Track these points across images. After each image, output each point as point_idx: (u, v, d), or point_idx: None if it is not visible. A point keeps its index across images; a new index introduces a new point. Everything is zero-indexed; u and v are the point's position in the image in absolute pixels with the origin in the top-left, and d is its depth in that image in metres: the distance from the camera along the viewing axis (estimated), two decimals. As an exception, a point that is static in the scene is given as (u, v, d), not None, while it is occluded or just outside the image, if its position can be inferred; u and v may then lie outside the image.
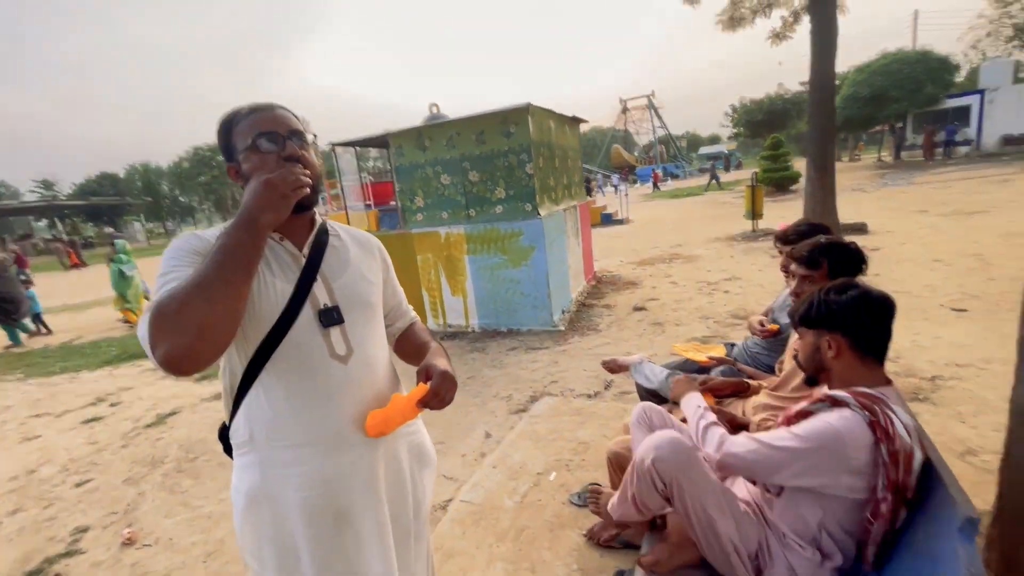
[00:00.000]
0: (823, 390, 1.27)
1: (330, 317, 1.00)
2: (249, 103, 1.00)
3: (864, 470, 1.11)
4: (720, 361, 2.38)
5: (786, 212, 10.93)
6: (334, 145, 5.49)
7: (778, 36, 7.70)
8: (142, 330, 0.78)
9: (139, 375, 5.35)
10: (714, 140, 69.37)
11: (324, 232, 1.08)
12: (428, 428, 3.12)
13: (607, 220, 14.05)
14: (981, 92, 20.91)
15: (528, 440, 2.96)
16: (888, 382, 1.22)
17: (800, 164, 11.80)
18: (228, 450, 1.05)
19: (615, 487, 1.93)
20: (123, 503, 2.91)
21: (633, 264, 7.77)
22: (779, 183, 15.40)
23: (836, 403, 1.17)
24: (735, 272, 6.43)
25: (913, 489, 1.08)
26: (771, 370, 2.20)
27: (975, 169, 16.24)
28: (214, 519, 2.65)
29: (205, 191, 47.84)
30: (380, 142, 5.70)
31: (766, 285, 5.60)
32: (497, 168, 4.78)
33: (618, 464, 1.97)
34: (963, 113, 21.59)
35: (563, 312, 5.21)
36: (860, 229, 7.79)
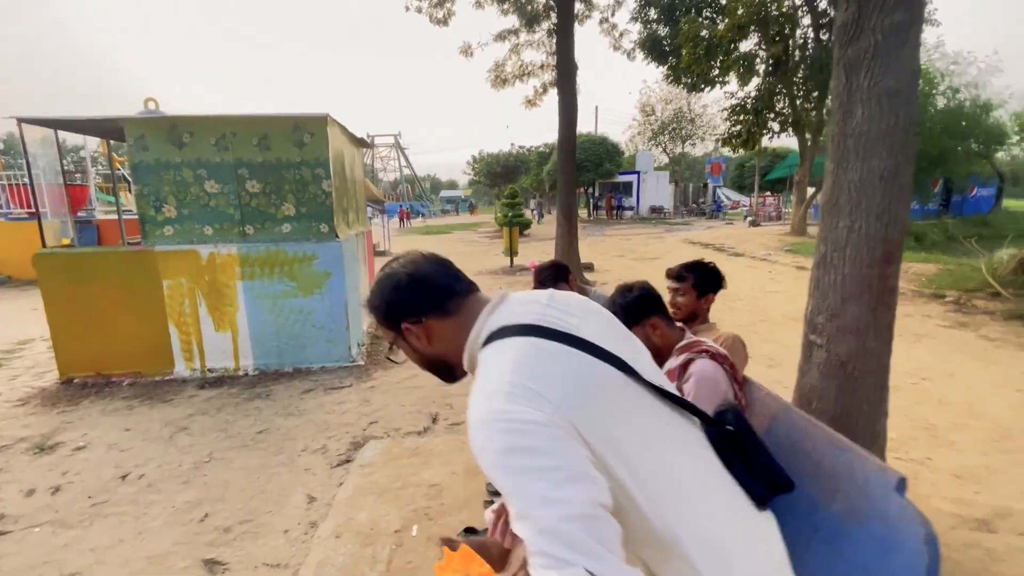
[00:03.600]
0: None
1: None
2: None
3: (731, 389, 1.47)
4: None
5: (532, 252, 12.65)
6: (21, 120, 3.73)
7: (531, 102, 9.09)
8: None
9: None
10: (452, 185, 75.87)
11: None
12: (219, 506, 2.38)
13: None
14: (637, 173, 28.93)
15: (369, 495, 2.53)
16: (684, 329, 1.66)
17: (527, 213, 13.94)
18: None
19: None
20: None
21: (412, 295, 7.69)
22: (516, 228, 17.82)
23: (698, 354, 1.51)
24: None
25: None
26: None
27: (638, 228, 22.17)
28: None
29: None
30: (106, 128, 4.20)
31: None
32: (286, 181, 4.10)
33: None
34: (628, 186, 29.40)
35: (360, 345, 4.73)
36: (589, 267, 9.60)
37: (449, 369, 0.98)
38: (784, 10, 13.00)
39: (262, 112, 4.07)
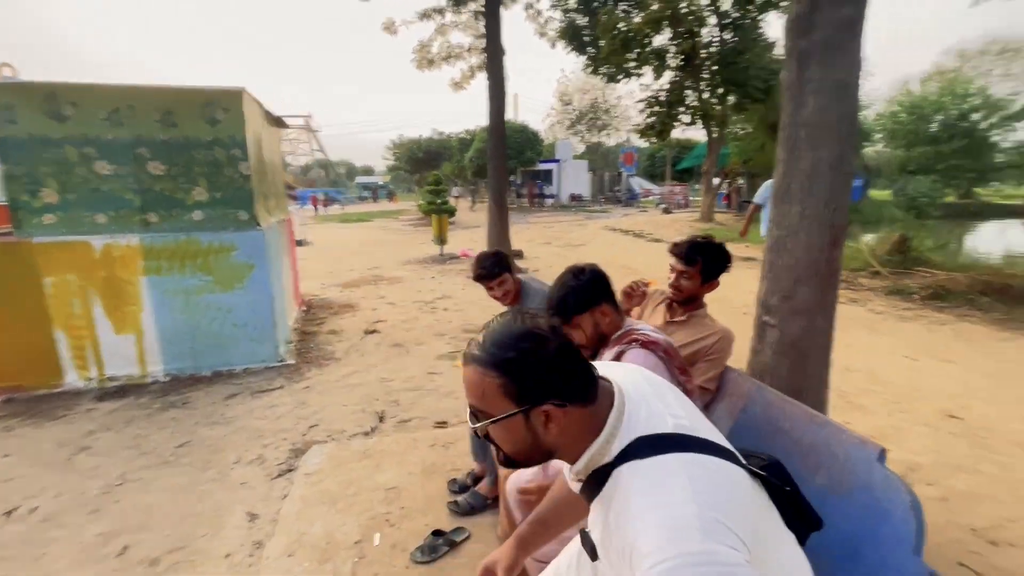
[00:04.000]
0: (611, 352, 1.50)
1: None
2: None
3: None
4: None
5: (460, 240, 12.46)
6: None
7: (458, 85, 8.85)
8: None
9: None
10: (368, 171, 72.65)
11: None
12: (141, 536, 2.08)
13: (281, 241, 12.69)
14: (557, 161, 29.49)
15: (320, 505, 2.33)
16: (624, 314, 1.61)
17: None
18: None
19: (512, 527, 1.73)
20: None
21: (339, 287, 7.26)
22: (445, 215, 17.47)
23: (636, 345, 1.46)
24: (443, 291, 6.87)
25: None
26: None
27: (560, 215, 22.65)
28: None
29: None
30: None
31: (477, 301, 6.21)
32: (196, 162, 3.63)
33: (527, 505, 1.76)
34: (549, 174, 29.89)
35: (288, 343, 4.37)
36: (518, 255, 9.63)
37: (550, 457, 0.83)
38: (693, 8, 13.74)
39: (165, 84, 3.55)
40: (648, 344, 1.45)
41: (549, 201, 28.96)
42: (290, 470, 2.64)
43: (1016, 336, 4.62)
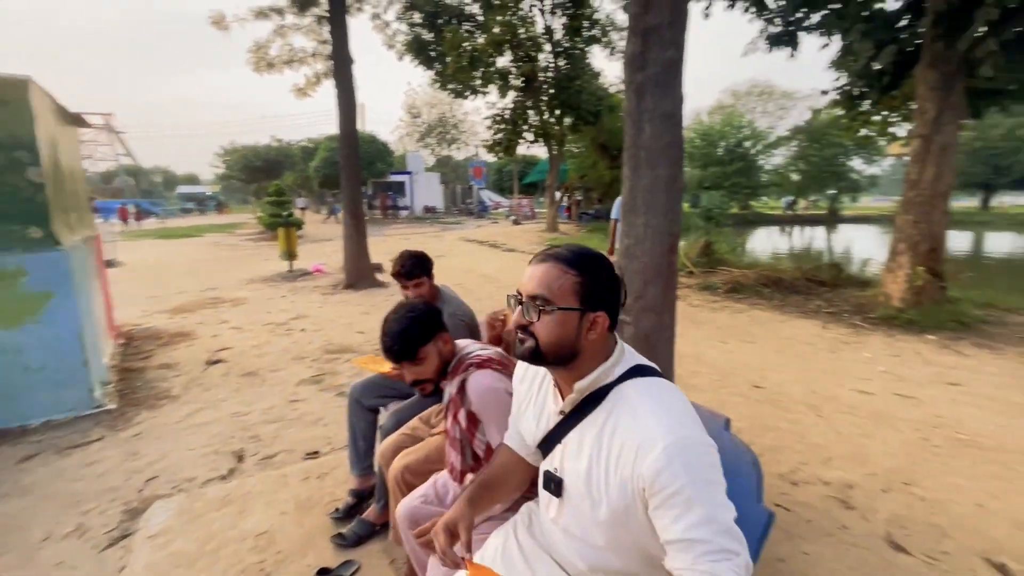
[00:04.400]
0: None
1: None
2: None
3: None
4: (401, 375, 2.38)
5: (311, 255, 11.60)
6: None
7: (302, 91, 8.24)
8: None
9: None
10: (192, 180, 63.17)
11: None
12: None
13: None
14: (410, 173, 29.25)
15: (175, 569, 2.01)
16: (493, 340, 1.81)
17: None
18: None
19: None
20: None
21: (166, 314, 6.23)
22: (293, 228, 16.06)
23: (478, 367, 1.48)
24: (298, 311, 6.35)
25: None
26: None
27: (415, 227, 22.48)
28: None
29: None
30: None
31: (338, 319, 5.87)
32: (-41, 166, 2.85)
33: (406, 483, 1.74)
34: (401, 186, 29.46)
35: (105, 384, 3.64)
36: (379, 268, 9.33)
37: (570, 361, 0.97)
38: (531, 34, 14.85)
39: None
40: (484, 364, 1.46)
41: (404, 213, 28.55)
42: (125, 536, 2.21)
43: (790, 318, 5.88)
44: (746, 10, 6.77)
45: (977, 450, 2.85)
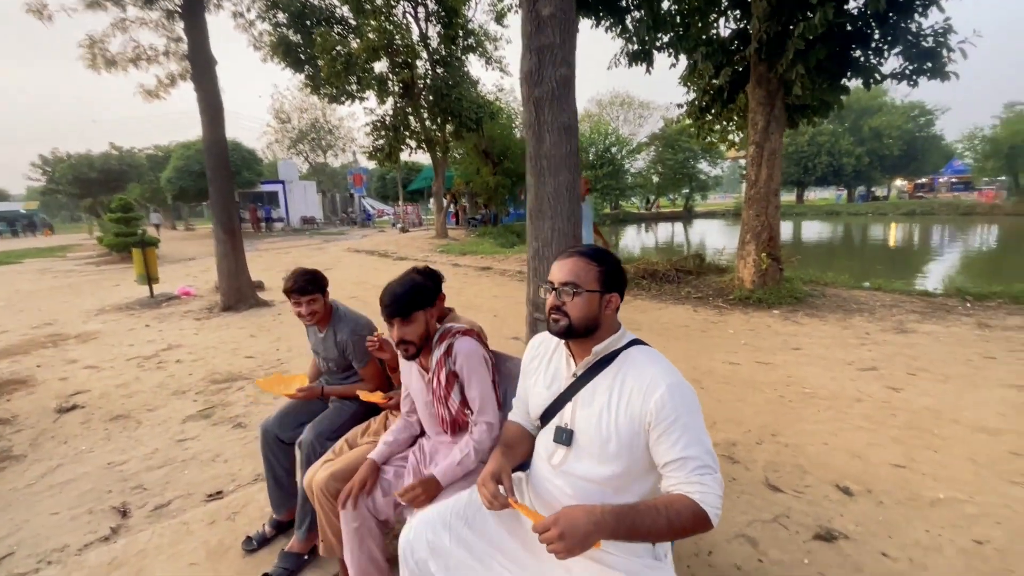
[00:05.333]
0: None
1: None
2: None
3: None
4: (310, 393, 2.23)
5: (173, 276, 10.30)
6: None
7: (151, 94, 7.24)
8: None
9: None
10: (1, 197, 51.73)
11: None
12: None
13: None
14: (283, 182, 27.15)
15: (62, 649, 1.72)
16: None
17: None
18: None
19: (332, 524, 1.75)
20: None
21: (-13, 360, 5.14)
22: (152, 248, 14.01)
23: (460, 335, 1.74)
24: (169, 341, 5.63)
25: None
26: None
27: (293, 240, 21.00)
28: None
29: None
30: None
31: (220, 345, 5.32)
32: None
33: (332, 493, 1.75)
34: (274, 196, 27.24)
35: (-84, 454, 2.93)
36: (260, 286, 8.61)
37: (592, 333, 1.24)
38: (407, 42, 14.71)
39: None
40: (467, 333, 1.71)
41: (279, 225, 26.44)
42: (-16, 627, 1.84)
43: (667, 305, 6.59)
44: (608, 28, 7.44)
45: (818, 400, 3.48)
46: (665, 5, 7.15)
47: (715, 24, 7.27)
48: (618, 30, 7.62)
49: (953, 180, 36.65)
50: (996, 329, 4.90)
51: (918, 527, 2.15)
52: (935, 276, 11.00)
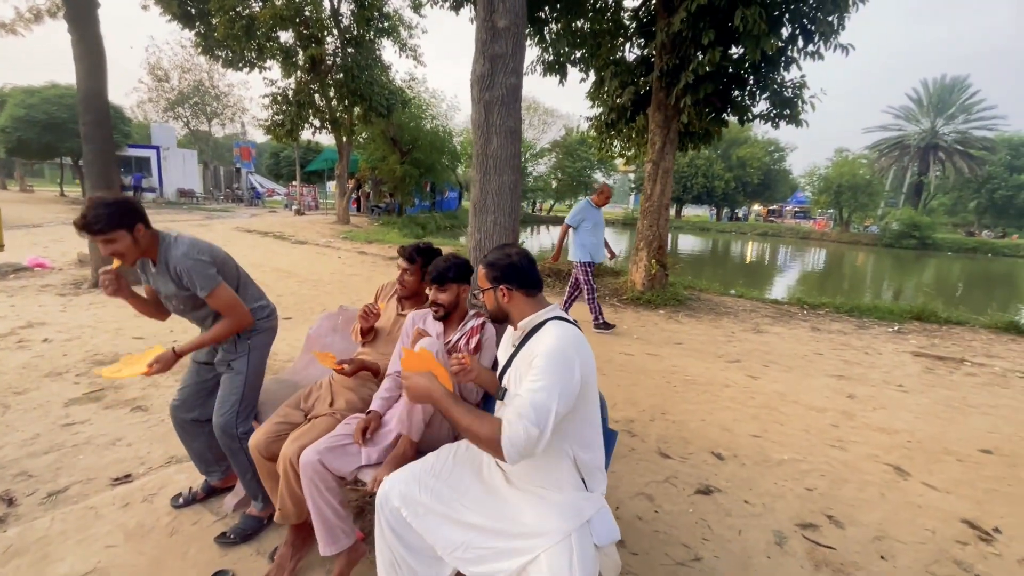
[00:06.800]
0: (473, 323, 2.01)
1: None
2: None
3: None
4: (164, 363, 2.00)
5: (24, 245, 8.75)
6: None
7: (8, 27, 6.07)
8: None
9: None
10: None
11: None
12: None
13: None
14: (157, 148, 23.93)
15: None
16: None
17: None
18: None
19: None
20: None
21: None
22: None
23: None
24: (28, 318, 4.89)
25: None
26: None
27: (169, 213, 18.69)
28: None
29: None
30: None
31: (99, 325, 4.75)
32: None
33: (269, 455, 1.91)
34: (146, 163, 23.90)
35: None
36: (134, 263, 7.70)
37: (506, 317, 1.56)
38: (317, 16, 13.90)
39: None
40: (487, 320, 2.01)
41: (150, 195, 23.27)
42: None
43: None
44: (528, 37, 7.83)
45: (697, 385, 4.12)
46: (579, 23, 7.71)
47: (621, 48, 7.98)
48: (536, 39, 8.03)
49: (796, 209, 43.13)
50: (824, 332, 6.09)
51: (769, 480, 2.73)
52: (780, 287, 13.11)
